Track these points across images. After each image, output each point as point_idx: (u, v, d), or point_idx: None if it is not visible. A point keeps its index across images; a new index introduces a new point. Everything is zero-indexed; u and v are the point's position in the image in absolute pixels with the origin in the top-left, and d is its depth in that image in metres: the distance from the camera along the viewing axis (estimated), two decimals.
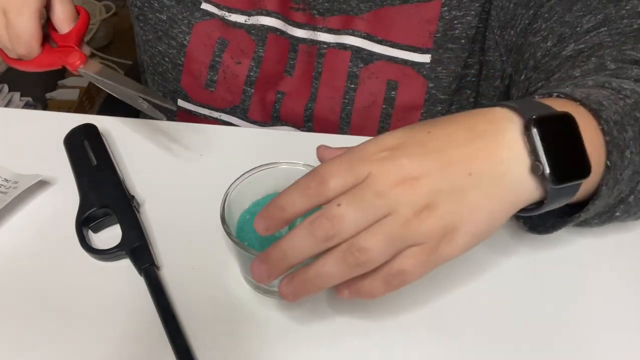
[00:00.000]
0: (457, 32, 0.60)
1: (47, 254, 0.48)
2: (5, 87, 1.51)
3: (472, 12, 0.59)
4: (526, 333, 0.43)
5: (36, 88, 1.53)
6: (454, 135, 0.36)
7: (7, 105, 1.46)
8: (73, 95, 1.85)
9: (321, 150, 0.44)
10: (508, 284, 0.47)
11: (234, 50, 0.63)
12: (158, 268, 0.46)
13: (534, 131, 0.35)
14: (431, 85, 0.61)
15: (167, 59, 0.65)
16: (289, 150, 0.58)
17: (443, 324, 0.44)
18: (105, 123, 0.59)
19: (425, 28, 0.60)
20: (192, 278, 0.46)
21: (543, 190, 0.36)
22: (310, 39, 0.63)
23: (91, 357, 0.41)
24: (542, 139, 0.35)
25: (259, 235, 0.44)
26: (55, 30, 0.55)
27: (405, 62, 0.61)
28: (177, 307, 0.44)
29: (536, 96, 0.41)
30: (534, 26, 0.56)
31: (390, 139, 0.36)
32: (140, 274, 0.46)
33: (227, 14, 0.63)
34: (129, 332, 0.43)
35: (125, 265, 0.47)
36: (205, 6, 0.63)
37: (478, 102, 0.66)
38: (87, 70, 0.53)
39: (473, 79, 0.64)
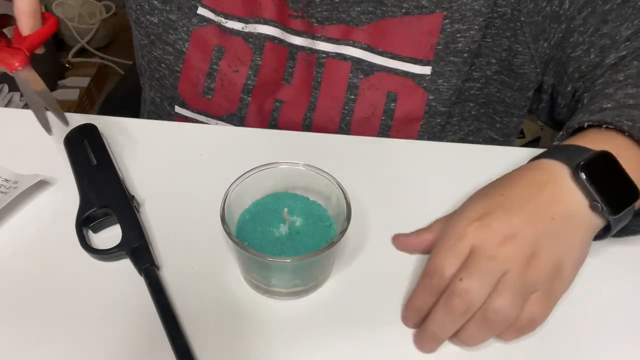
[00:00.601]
0: (459, 45, 0.59)
1: (47, 254, 0.48)
2: (5, 87, 1.51)
3: (476, 27, 0.59)
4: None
5: None
6: (525, 191, 0.42)
7: (7, 105, 1.46)
8: (73, 95, 1.86)
9: (399, 239, 0.49)
10: None
11: (232, 58, 0.63)
12: (158, 268, 0.47)
13: (582, 176, 0.41)
14: (431, 97, 0.60)
15: (163, 65, 0.65)
16: (289, 150, 0.58)
17: None
18: (105, 123, 0.59)
19: (426, 40, 0.59)
20: (192, 278, 0.46)
21: (606, 220, 0.42)
22: (309, 48, 0.62)
23: (91, 357, 0.41)
24: (591, 181, 0.41)
25: (259, 235, 0.45)
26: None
27: (405, 73, 0.60)
28: (177, 307, 0.44)
29: (586, 123, 0.46)
30: (571, 40, 0.58)
31: (471, 211, 0.42)
32: (140, 274, 0.46)
33: (223, 20, 0.63)
34: (129, 332, 0.43)
35: (125, 265, 0.47)
36: (201, 11, 0.63)
37: (486, 112, 0.66)
38: (21, 75, 0.51)
39: (477, 92, 0.63)
